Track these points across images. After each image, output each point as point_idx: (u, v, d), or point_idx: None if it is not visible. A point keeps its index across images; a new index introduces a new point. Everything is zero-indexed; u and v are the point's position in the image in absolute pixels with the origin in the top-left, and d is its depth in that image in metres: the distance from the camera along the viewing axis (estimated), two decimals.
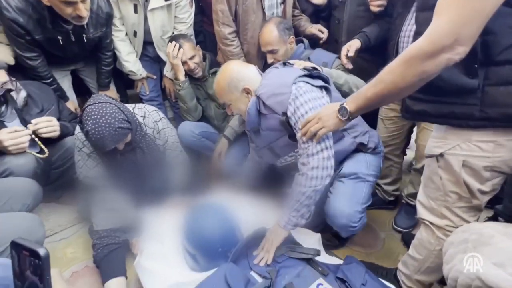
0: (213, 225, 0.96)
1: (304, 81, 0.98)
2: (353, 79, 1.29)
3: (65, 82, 1.63)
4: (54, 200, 1.52)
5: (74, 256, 1.26)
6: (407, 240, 1.32)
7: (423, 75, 0.65)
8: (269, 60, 1.41)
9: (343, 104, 0.81)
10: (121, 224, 1.14)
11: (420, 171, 1.35)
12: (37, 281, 0.39)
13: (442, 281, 1.04)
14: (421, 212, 0.90)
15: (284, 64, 1.12)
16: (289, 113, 0.96)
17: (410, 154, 1.89)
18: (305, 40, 1.49)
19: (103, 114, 0.99)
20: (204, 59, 1.64)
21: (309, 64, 1.12)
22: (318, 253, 0.93)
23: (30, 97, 1.30)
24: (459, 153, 0.76)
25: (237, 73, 1.05)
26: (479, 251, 0.60)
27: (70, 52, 1.48)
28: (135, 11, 1.55)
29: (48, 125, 1.24)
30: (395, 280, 1.03)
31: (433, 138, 0.84)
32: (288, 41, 1.41)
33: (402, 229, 1.39)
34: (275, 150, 1.12)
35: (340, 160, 1.12)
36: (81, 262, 1.22)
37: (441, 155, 0.80)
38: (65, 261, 1.23)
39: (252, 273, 0.90)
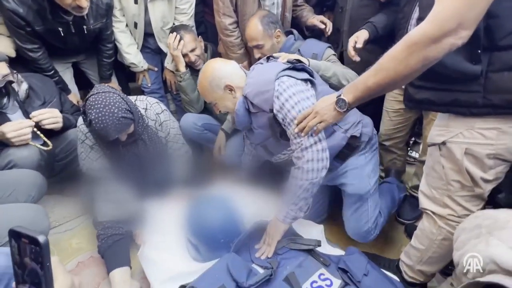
0: (215, 216, 0.97)
1: (287, 75, 0.96)
2: (343, 71, 1.24)
3: (67, 75, 1.63)
4: (59, 192, 1.53)
5: (79, 247, 1.28)
6: (410, 231, 1.32)
7: (426, 61, 0.63)
8: (256, 55, 1.38)
9: (340, 95, 0.79)
10: (124, 215, 1.15)
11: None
12: (38, 268, 0.39)
13: (444, 271, 1.05)
14: (423, 202, 0.89)
15: (268, 59, 1.11)
16: (275, 110, 0.95)
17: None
18: (295, 31, 1.44)
19: (107, 103, 0.99)
20: (205, 50, 1.62)
21: (293, 57, 1.09)
22: (318, 243, 0.93)
23: (32, 89, 1.30)
24: (462, 141, 0.75)
25: (218, 71, 1.05)
26: (494, 235, 0.59)
27: (71, 44, 1.48)
28: (135, 1, 1.53)
29: (50, 116, 1.24)
30: (397, 270, 1.04)
31: (436, 127, 0.82)
32: (274, 35, 1.36)
33: (405, 221, 1.38)
34: (268, 148, 1.12)
35: (334, 156, 1.11)
36: (86, 252, 1.24)
37: (444, 143, 0.78)
38: (70, 252, 1.25)
39: (254, 265, 0.90)
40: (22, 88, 1.26)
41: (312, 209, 1.14)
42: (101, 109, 0.98)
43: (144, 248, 1.05)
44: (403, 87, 1.29)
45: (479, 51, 0.67)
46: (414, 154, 1.97)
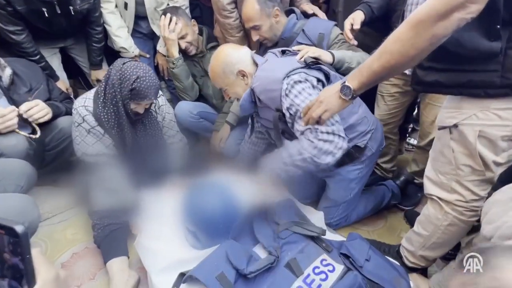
0: (213, 202, 0.94)
1: (298, 73, 0.93)
2: (362, 57, 1.18)
3: (54, 61, 1.55)
4: (51, 183, 1.48)
5: (74, 238, 1.24)
6: (409, 217, 1.32)
7: (434, 39, 0.59)
8: (254, 37, 1.30)
9: (344, 82, 0.75)
10: (121, 204, 1.12)
11: (424, 149, 1.32)
12: (18, 261, 0.36)
13: (445, 256, 1.05)
14: (429, 188, 0.87)
15: (283, 52, 1.07)
16: (284, 109, 0.92)
17: None
18: (296, 10, 1.35)
19: (149, 69, 1.07)
20: (200, 33, 1.55)
21: (312, 53, 1.04)
22: (323, 232, 0.91)
23: (17, 75, 1.23)
24: (476, 122, 0.72)
25: (231, 56, 1.04)
26: None
27: (57, 27, 1.39)
28: None
29: (38, 110, 1.16)
30: (397, 256, 1.03)
31: (446, 109, 0.79)
32: (272, 14, 1.25)
33: (404, 207, 1.38)
34: (272, 136, 1.11)
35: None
36: (81, 243, 1.21)
37: (455, 126, 0.75)
38: (64, 243, 1.22)
39: (255, 249, 0.88)
40: (5, 74, 1.19)
41: (305, 190, 1.20)
42: (146, 70, 1.06)
43: (140, 237, 1.02)
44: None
45: (498, 26, 0.62)
46: (413, 141, 1.96)
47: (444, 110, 0.80)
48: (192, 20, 1.53)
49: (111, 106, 1.08)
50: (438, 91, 0.82)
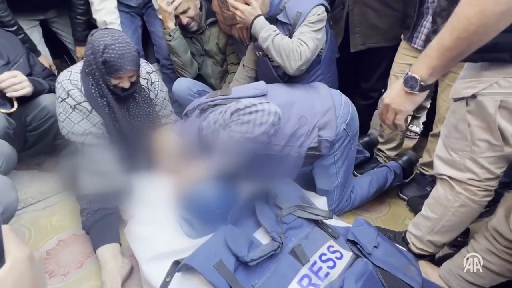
0: (208, 187, 0.86)
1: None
2: (288, 42, 1.05)
3: (35, 34, 1.41)
4: (36, 167, 1.40)
5: (60, 224, 1.17)
6: (412, 205, 1.27)
7: None
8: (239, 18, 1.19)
9: (407, 74, 0.64)
10: (111, 188, 1.03)
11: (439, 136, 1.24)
12: None
13: (453, 243, 1.01)
14: (439, 167, 0.81)
15: (186, 114, 1.07)
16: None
17: None
18: None
19: (120, 34, 0.94)
20: (200, 8, 1.43)
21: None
22: (330, 215, 0.85)
23: None
24: (497, 91, 0.65)
25: None
26: None
27: None
28: None
29: (13, 82, 1.04)
30: (404, 243, 0.98)
31: (463, 79, 0.72)
32: None
33: (406, 197, 1.32)
34: None
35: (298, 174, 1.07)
36: (68, 230, 1.14)
37: (473, 96, 0.68)
38: (50, 230, 1.15)
39: (256, 234, 0.82)
40: None
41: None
42: (116, 36, 0.92)
43: (131, 223, 0.95)
44: (416, 46, 1.19)
45: None
46: (415, 128, 1.90)
47: (460, 80, 0.72)
48: None
49: (95, 84, 0.98)
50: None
